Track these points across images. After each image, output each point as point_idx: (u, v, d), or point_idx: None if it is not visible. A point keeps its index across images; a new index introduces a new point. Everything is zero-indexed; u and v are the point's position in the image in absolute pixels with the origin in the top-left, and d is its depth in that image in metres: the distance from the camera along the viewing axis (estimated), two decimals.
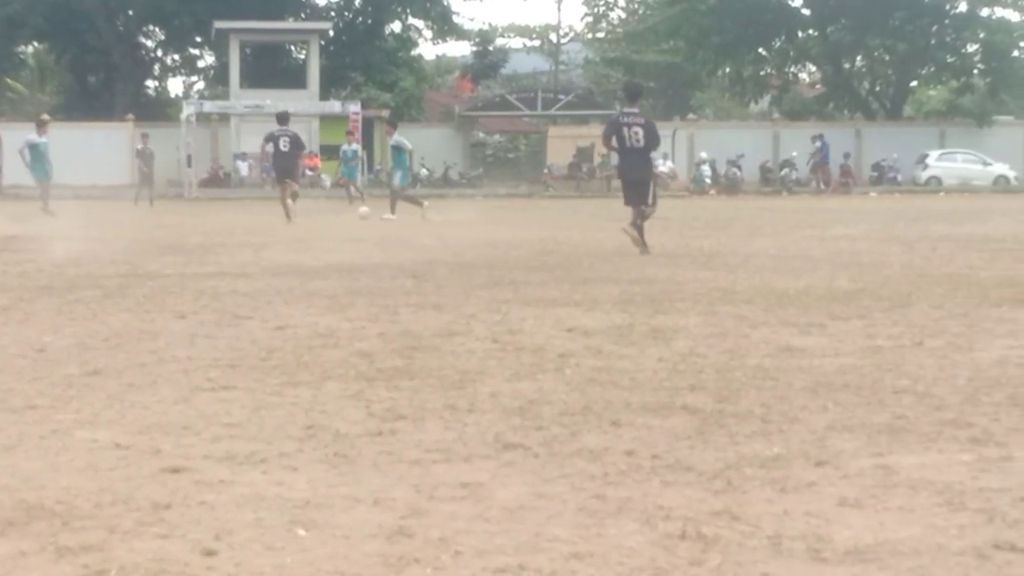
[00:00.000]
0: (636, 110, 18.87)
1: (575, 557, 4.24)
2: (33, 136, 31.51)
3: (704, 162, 56.48)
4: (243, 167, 57.22)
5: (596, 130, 61.08)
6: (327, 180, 53.09)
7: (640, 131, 18.31)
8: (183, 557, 4.23)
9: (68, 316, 10.79)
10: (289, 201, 28.39)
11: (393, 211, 29.95)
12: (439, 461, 5.58)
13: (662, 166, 56.76)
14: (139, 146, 43.53)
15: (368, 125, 57.34)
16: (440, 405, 6.79)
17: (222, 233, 24.26)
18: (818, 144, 56.51)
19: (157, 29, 73.44)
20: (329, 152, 53.15)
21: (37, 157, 31.27)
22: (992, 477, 5.32)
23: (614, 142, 18.56)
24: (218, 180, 56.84)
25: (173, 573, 4.07)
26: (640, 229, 18.29)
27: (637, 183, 18.69)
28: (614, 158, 20.68)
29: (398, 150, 31.16)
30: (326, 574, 4.09)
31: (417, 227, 25.82)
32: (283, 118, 30.02)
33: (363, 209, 31.04)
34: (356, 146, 43.67)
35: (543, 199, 50.24)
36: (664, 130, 59.60)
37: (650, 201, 18.62)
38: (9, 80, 62.06)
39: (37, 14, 64.79)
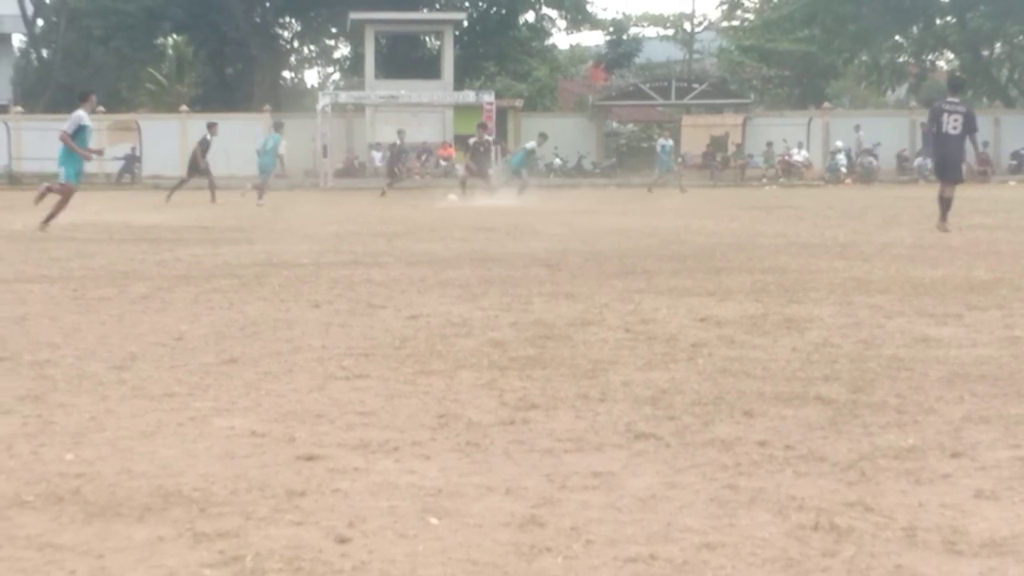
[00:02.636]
0: (957, 99, 20.72)
1: (707, 547, 4.22)
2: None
3: (839, 151, 55.95)
4: (377, 157, 57.60)
5: (730, 119, 60.88)
6: (460, 168, 53.39)
7: (960, 119, 20.44)
8: (317, 544, 4.27)
9: (205, 305, 10.92)
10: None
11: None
12: (571, 450, 5.58)
13: (796, 155, 56.37)
14: (398, 141, 44.31)
15: (502, 115, 57.49)
16: (572, 394, 6.79)
17: (356, 222, 24.44)
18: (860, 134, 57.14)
19: (293, 20, 74.36)
20: (462, 142, 53.43)
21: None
22: None
23: (934, 128, 20.67)
24: (353, 170, 57.27)
25: (307, 559, 4.11)
26: (949, 206, 20.86)
27: (950, 165, 21.00)
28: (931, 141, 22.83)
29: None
30: (458, 562, 4.10)
31: (548, 216, 25.83)
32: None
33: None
34: (670, 141, 48.47)
35: (676, 188, 49.95)
36: (799, 119, 59.53)
37: (963, 178, 21.55)
38: (151, 70, 63.02)
39: (176, 6, 66.04)
